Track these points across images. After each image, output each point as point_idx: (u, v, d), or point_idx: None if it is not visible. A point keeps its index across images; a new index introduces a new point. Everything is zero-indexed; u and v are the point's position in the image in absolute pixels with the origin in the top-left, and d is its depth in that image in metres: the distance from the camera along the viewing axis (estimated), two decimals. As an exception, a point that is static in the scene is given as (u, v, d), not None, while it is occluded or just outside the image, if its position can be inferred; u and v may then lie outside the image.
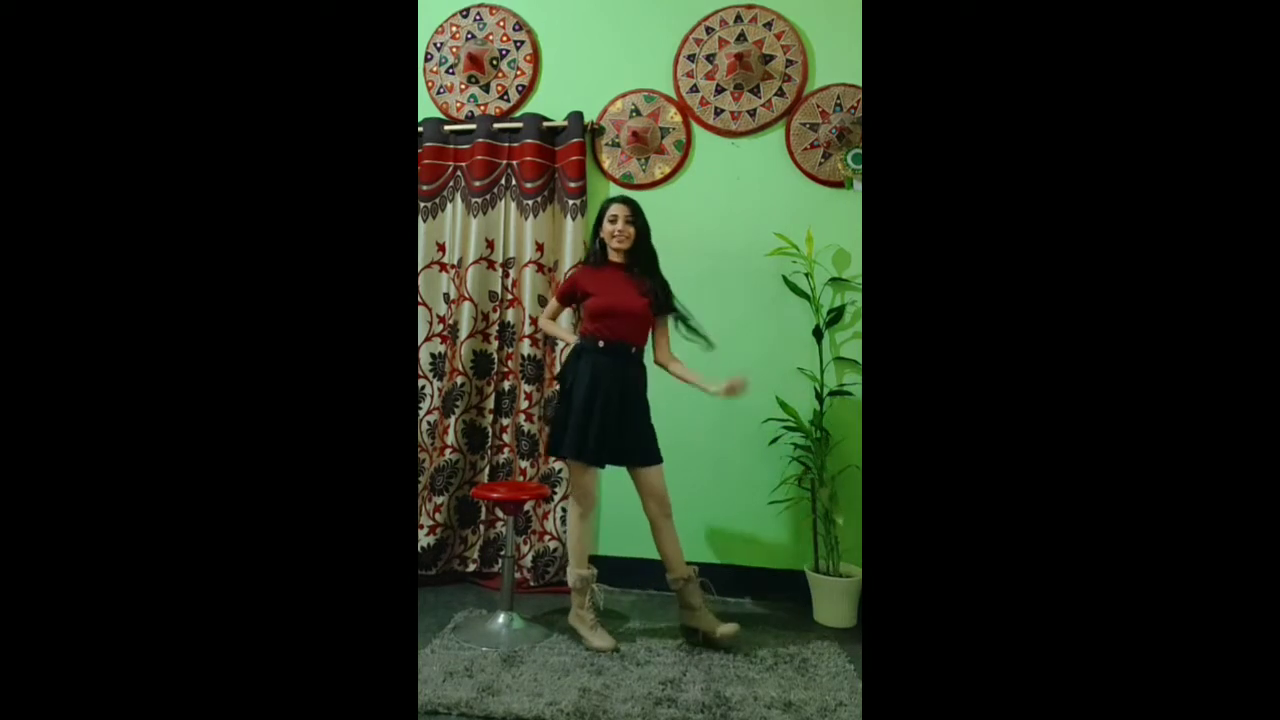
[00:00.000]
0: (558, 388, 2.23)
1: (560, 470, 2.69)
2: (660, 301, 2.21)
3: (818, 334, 2.56)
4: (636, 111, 2.79)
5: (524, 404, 2.73)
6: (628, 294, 2.17)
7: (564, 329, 2.45)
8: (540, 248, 2.75)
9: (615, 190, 2.82)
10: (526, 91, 2.89)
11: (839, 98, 2.67)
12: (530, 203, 2.75)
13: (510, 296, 2.77)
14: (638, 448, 2.15)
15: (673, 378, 2.26)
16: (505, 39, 2.90)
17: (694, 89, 2.77)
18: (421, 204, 2.83)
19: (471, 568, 2.74)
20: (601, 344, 2.15)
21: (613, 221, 2.21)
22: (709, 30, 2.76)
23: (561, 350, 2.70)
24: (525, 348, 2.73)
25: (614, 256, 2.24)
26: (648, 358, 2.26)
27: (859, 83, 2.66)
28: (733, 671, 1.98)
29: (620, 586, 2.63)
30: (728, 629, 2.13)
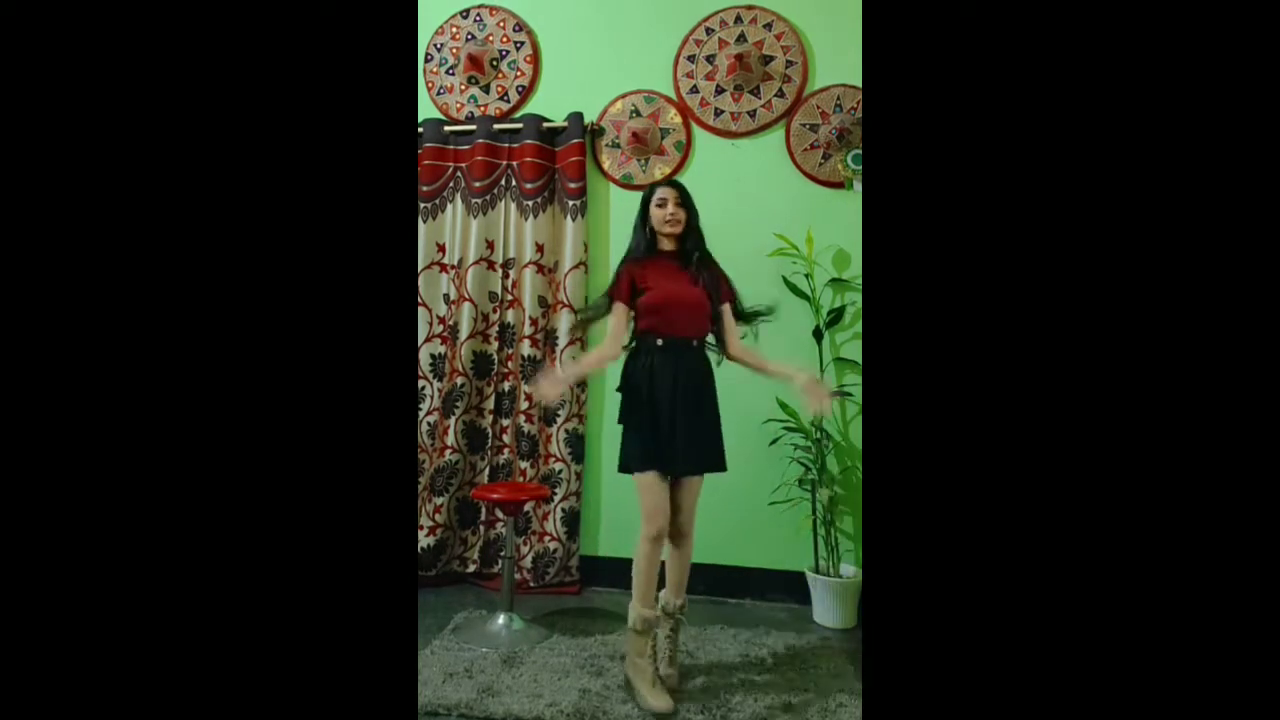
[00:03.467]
0: (621, 395, 2.02)
1: (560, 471, 2.69)
2: (717, 291, 2.01)
3: (818, 335, 2.56)
4: (636, 112, 2.79)
5: (524, 405, 2.73)
6: (682, 285, 1.96)
7: (589, 359, 2.19)
8: (540, 248, 2.75)
9: (616, 191, 2.82)
10: (526, 92, 2.89)
11: (839, 98, 2.67)
12: (530, 203, 2.76)
13: (510, 297, 2.77)
14: (706, 451, 1.94)
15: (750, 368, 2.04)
16: (505, 40, 2.90)
17: (694, 90, 2.77)
18: (421, 205, 2.83)
19: (471, 569, 2.74)
20: (660, 341, 1.94)
21: (662, 205, 2.01)
22: (709, 31, 2.76)
23: (562, 352, 2.69)
24: (525, 348, 2.73)
25: (665, 244, 2.04)
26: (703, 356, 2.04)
27: (859, 83, 2.65)
28: (733, 672, 1.98)
29: (621, 587, 2.62)
30: (661, 704, 1.78)
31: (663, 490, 1.88)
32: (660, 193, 2.03)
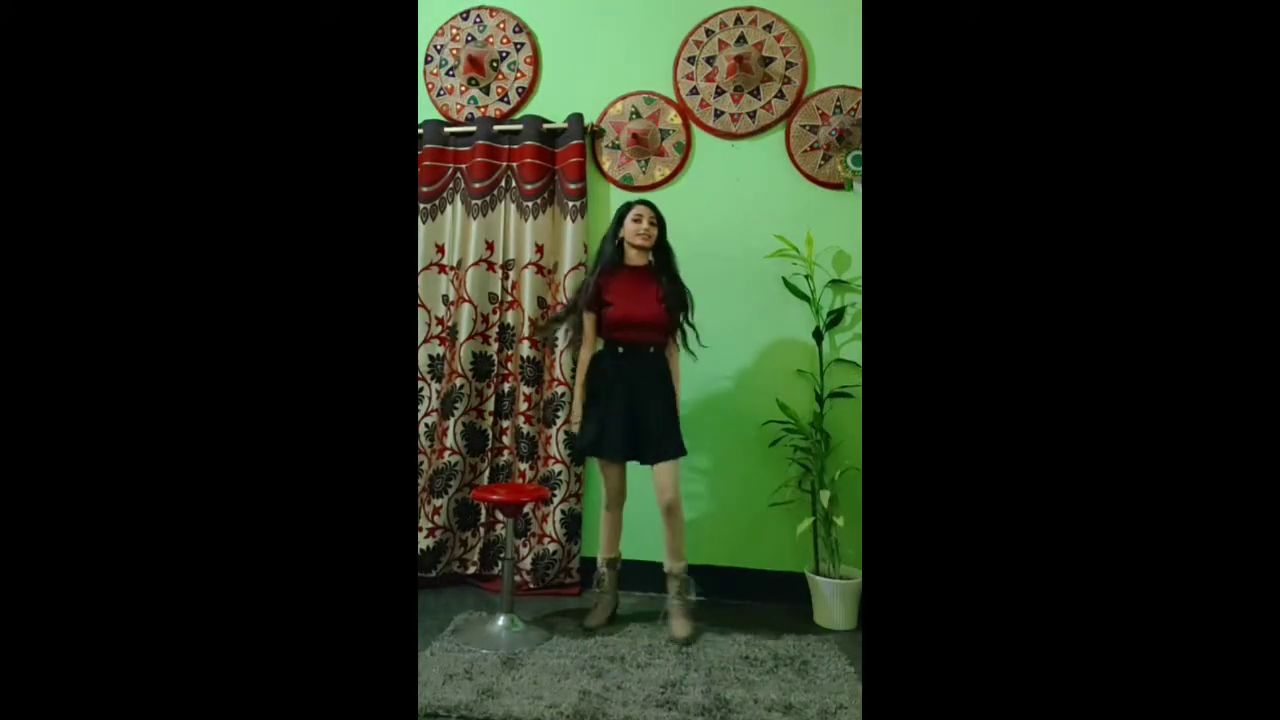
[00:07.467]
0: (586, 398, 2.36)
1: (560, 473, 2.69)
2: (676, 306, 2.31)
3: (818, 336, 2.56)
4: (636, 114, 2.79)
5: (523, 406, 2.73)
6: (646, 300, 2.26)
7: (582, 360, 2.42)
8: (540, 249, 2.75)
9: (616, 192, 2.82)
10: (526, 93, 2.89)
11: (839, 100, 2.67)
12: (530, 204, 2.75)
13: (510, 298, 2.77)
14: (651, 444, 2.23)
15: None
16: (505, 41, 2.90)
17: (694, 91, 2.77)
18: (421, 206, 2.83)
19: (471, 570, 2.73)
20: (621, 349, 2.28)
21: (638, 220, 2.29)
22: (709, 32, 2.76)
23: (560, 354, 2.69)
24: (525, 349, 2.73)
25: (634, 258, 2.32)
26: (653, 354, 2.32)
27: (859, 85, 2.66)
28: (733, 674, 1.98)
29: (622, 590, 2.63)
30: (681, 630, 2.20)
31: (609, 471, 2.31)
32: (637, 209, 2.31)
